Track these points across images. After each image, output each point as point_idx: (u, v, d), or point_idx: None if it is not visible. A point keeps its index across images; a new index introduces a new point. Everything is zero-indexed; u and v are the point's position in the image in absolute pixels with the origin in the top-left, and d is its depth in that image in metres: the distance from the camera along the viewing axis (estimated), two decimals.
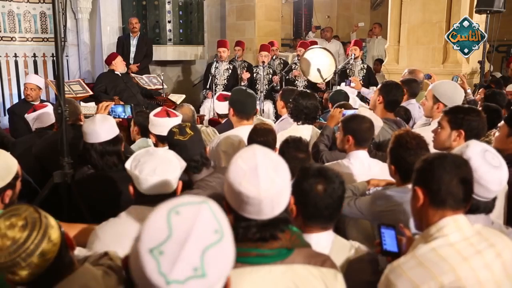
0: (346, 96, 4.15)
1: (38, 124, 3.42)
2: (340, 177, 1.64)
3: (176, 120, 2.88)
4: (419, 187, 1.49)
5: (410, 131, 2.22)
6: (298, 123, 3.31)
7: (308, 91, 3.56)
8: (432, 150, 2.32)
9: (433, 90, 3.09)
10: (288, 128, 3.33)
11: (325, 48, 6.12)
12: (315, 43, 7.25)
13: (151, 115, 2.96)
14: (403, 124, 3.47)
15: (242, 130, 2.96)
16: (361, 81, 6.01)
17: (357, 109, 3.67)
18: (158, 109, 3.00)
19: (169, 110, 3.00)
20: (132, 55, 6.88)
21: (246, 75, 6.70)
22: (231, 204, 1.29)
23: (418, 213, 1.51)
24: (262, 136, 2.56)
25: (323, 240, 1.60)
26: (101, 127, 2.44)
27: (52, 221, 1.28)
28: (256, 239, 1.28)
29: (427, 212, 1.47)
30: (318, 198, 1.56)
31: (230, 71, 6.81)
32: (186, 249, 0.80)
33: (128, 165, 1.80)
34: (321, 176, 1.59)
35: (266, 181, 1.22)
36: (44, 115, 3.43)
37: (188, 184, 2.21)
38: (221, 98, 4.07)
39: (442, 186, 1.43)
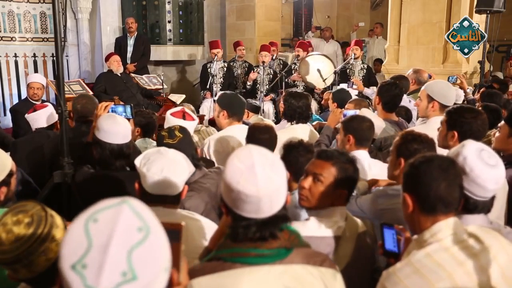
0: (349, 95, 4.15)
1: (39, 124, 3.42)
2: None
3: (190, 124, 2.94)
4: (407, 194, 1.46)
5: (414, 131, 2.24)
6: (293, 123, 3.33)
7: (298, 91, 3.60)
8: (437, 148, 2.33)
9: (426, 90, 3.10)
10: (284, 128, 3.35)
11: (324, 55, 6.18)
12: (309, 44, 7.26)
13: (168, 113, 3.07)
14: (405, 125, 3.46)
15: (234, 130, 3.08)
16: (361, 81, 6.02)
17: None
18: (177, 109, 3.12)
19: (186, 112, 3.09)
20: (129, 54, 6.90)
21: (254, 75, 6.68)
22: (229, 204, 1.29)
23: (410, 219, 1.48)
24: (266, 133, 2.59)
25: (344, 212, 1.82)
26: (124, 129, 2.43)
27: (58, 220, 1.29)
28: (256, 238, 1.28)
29: (418, 218, 1.44)
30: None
31: (225, 69, 6.82)
32: (110, 255, 0.75)
33: (137, 162, 1.82)
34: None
35: (264, 179, 1.22)
36: (44, 115, 3.43)
37: None
38: None
39: (431, 192, 1.40)
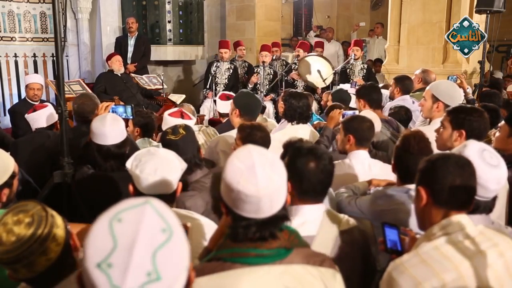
0: (349, 95, 4.15)
1: (39, 124, 3.42)
2: (329, 154, 1.81)
3: (189, 123, 2.93)
4: (422, 187, 1.50)
5: (418, 134, 2.20)
6: (293, 123, 3.32)
7: (298, 91, 3.61)
8: (435, 150, 2.32)
9: (432, 90, 3.08)
10: (284, 129, 3.34)
11: (323, 56, 6.19)
12: (321, 43, 7.25)
13: (166, 114, 3.08)
14: (395, 123, 3.47)
15: None
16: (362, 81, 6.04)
17: (356, 109, 3.68)
18: (174, 109, 3.10)
19: (184, 112, 3.08)
20: (129, 54, 6.90)
21: (255, 79, 6.67)
22: (229, 204, 1.28)
23: (422, 212, 1.52)
24: (263, 131, 2.58)
25: (315, 211, 1.75)
26: (111, 130, 2.41)
27: (58, 220, 1.29)
28: (256, 238, 1.28)
29: (430, 212, 1.48)
30: (311, 174, 1.71)
31: (231, 70, 6.81)
32: (135, 256, 0.77)
33: (129, 164, 1.80)
34: (312, 155, 1.73)
35: (264, 179, 1.22)
36: (44, 115, 3.43)
37: (183, 185, 2.21)
38: (224, 97, 4.10)
39: (445, 186, 1.44)
